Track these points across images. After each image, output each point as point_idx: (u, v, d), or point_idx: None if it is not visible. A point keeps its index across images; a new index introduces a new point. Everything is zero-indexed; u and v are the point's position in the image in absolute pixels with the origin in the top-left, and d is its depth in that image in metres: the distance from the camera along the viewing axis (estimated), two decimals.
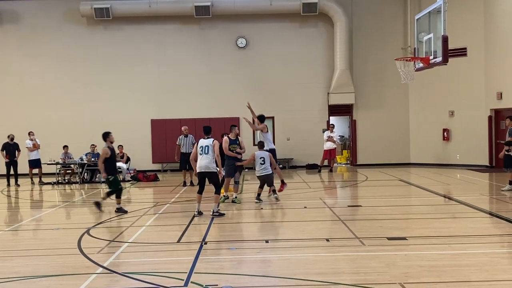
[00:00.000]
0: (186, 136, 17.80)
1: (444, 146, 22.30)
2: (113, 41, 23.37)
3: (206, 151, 11.43)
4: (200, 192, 11.53)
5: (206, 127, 12.01)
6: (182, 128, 18.10)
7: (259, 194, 13.41)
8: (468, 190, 15.09)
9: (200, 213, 11.45)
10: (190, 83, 23.38)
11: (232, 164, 13.43)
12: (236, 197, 13.64)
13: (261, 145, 13.77)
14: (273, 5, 22.70)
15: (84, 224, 10.89)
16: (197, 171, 11.53)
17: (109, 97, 23.26)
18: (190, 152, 16.85)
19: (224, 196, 13.46)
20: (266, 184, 13.57)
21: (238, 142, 13.48)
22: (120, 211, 12.17)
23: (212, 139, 11.62)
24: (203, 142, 11.60)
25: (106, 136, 12.70)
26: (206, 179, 11.52)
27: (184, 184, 17.67)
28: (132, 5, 22.83)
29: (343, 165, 24.37)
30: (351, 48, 23.14)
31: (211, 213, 11.37)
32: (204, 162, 11.39)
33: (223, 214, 11.42)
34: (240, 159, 13.55)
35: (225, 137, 13.63)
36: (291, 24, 23.47)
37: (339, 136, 24.93)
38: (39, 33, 23.22)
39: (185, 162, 17.53)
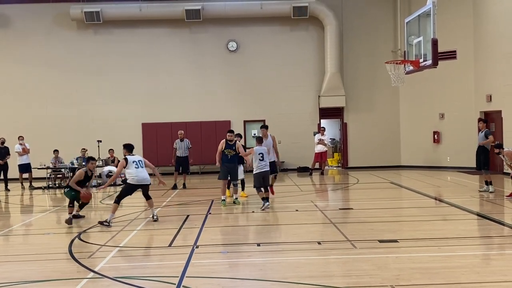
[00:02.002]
0: (182, 140, 18.08)
1: (435, 149, 22.41)
2: (103, 45, 23.30)
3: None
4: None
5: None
6: (178, 133, 18.38)
7: (265, 198, 12.68)
8: (458, 192, 15.17)
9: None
10: (181, 86, 23.35)
11: (225, 167, 13.44)
12: (236, 199, 13.80)
13: (259, 140, 13.21)
14: (264, 8, 22.74)
15: (75, 229, 10.85)
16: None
17: (100, 101, 23.17)
18: (185, 156, 17.80)
19: (223, 199, 13.46)
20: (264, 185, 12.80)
21: (234, 148, 13.42)
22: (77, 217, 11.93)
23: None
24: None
25: (88, 161, 12.35)
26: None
27: (175, 187, 17.67)
28: (122, 9, 22.78)
29: (334, 168, 24.42)
30: (342, 51, 23.22)
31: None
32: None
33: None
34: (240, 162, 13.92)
35: (222, 140, 13.68)
36: (281, 28, 23.52)
37: (330, 139, 24.99)
38: (29, 37, 23.11)
39: (179, 165, 17.97)
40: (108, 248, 8.94)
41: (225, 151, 13.44)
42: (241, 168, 14.50)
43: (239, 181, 14.42)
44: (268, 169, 12.95)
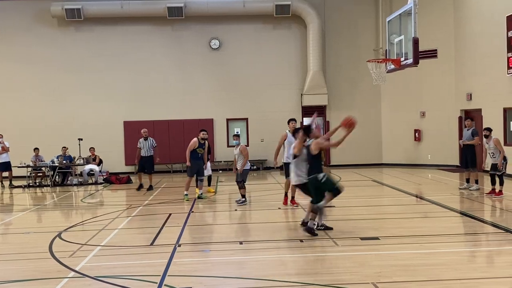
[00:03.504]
0: (146, 139, 17.07)
1: (416, 147, 22.61)
2: (84, 42, 23.08)
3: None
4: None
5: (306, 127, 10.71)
6: (142, 131, 17.36)
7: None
8: (439, 189, 15.32)
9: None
10: (163, 84, 23.24)
11: (196, 165, 14.06)
12: (202, 193, 14.32)
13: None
14: (246, 6, 22.71)
15: (56, 227, 10.73)
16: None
17: (81, 99, 22.97)
18: (150, 155, 17.01)
19: (185, 194, 14.11)
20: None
21: (204, 147, 14.10)
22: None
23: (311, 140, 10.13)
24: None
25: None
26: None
27: (140, 187, 17.04)
28: (103, 6, 22.59)
29: None
30: (324, 49, 23.30)
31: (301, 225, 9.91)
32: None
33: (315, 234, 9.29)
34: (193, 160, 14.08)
35: (194, 138, 14.16)
36: (264, 26, 23.52)
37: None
38: (9, 34, 22.79)
39: (143, 166, 17.04)
40: (89, 247, 8.87)
41: (197, 149, 13.99)
42: (208, 165, 15.49)
43: (206, 177, 15.34)
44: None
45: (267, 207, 12.81)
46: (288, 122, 12.93)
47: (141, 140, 17.18)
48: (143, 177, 17.24)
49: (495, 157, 13.34)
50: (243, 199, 13.17)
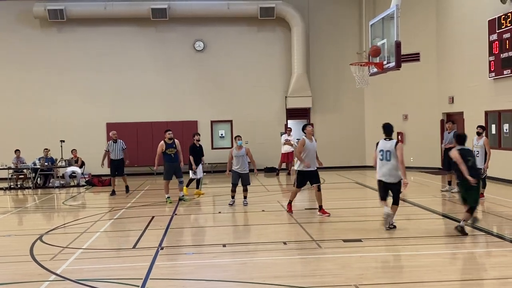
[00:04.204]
0: (115, 141, 16.62)
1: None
2: (67, 43, 22.89)
3: (388, 157, 9.99)
4: (384, 198, 9.96)
5: (387, 126, 10.45)
6: (111, 133, 17.04)
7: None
8: (421, 192, 15.43)
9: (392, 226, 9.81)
10: (146, 86, 23.13)
11: (170, 167, 13.95)
12: (183, 196, 14.31)
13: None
14: (231, 9, 22.71)
15: (37, 230, 10.61)
16: (377, 179, 10.11)
17: (64, 100, 22.77)
18: (120, 159, 16.62)
19: (168, 196, 13.99)
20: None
21: (174, 145, 14.02)
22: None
23: (394, 141, 10.03)
24: (383, 145, 10.20)
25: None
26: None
27: (113, 193, 16.47)
28: (87, 7, 22.43)
29: None
30: (308, 52, 23.38)
31: (386, 227, 9.80)
32: (385, 170, 9.93)
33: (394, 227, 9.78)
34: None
35: (161, 142, 14.08)
36: (249, 28, 23.54)
37: (297, 139, 25.05)
38: None
39: (114, 169, 16.66)
40: (71, 250, 8.78)
41: (167, 151, 13.89)
42: (200, 167, 15.56)
43: (195, 178, 15.60)
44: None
45: (251, 209, 12.80)
46: (305, 127, 11.64)
47: (110, 142, 16.79)
48: (117, 180, 16.88)
49: (478, 156, 13.38)
50: (246, 200, 13.42)
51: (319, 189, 11.53)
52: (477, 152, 13.39)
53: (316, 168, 11.54)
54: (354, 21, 23.56)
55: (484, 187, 13.36)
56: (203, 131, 23.12)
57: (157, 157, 14.21)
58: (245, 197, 13.41)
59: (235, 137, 13.87)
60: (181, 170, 14.25)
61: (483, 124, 17.43)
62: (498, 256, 8.08)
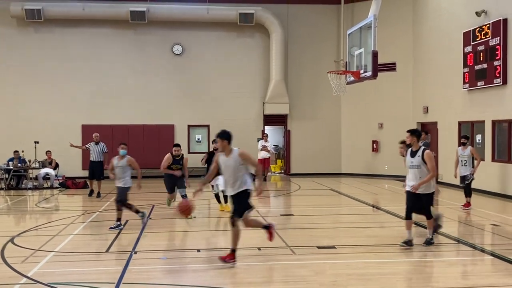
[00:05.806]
0: (96, 143, 16.55)
1: (374, 157, 23.00)
2: (43, 44, 22.61)
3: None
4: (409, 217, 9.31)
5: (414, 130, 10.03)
6: (93, 135, 16.93)
7: None
8: (395, 200, 15.61)
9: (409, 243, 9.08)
10: (123, 89, 22.96)
11: (171, 180, 12.66)
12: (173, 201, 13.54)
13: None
14: (210, 13, 22.72)
15: (8, 232, 10.46)
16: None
17: (38, 101, 22.45)
18: (99, 161, 16.39)
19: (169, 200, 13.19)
20: None
21: (181, 163, 12.57)
22: None
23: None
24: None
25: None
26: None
27: (91, 193, 16.60)
28: (65, 8, 22.21)
29: (277, 174, 24.62)
30: (287, 59, 23.50)
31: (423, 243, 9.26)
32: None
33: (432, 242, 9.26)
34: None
35: (168, 155, 12.56)
36: (227, 33, 23.56)
37: (274, 145, 25.19)
38: None
39: (92, 171, 16.52)
40: (43, 253, 8.68)
41: (172, 166, 12.52)
42: (220, 179, 12.01)
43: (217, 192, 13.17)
44: None
45: (226, 214, 12.76)
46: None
47: (92, 144, 16.73)
48: (94, 182, 16.76)
49: (466, 166, 13.55)
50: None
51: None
52: (465, 162, 13.57)
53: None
54: (333, 29, 23.78)
55: (469, 195, 13.50)
56: (180, 136, 23.05)
57: (162, 170, 12.59)
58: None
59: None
60: (184, 182, 12.71)
61: (457, 135, 17.75)
62: (469, 265, 8.24)
